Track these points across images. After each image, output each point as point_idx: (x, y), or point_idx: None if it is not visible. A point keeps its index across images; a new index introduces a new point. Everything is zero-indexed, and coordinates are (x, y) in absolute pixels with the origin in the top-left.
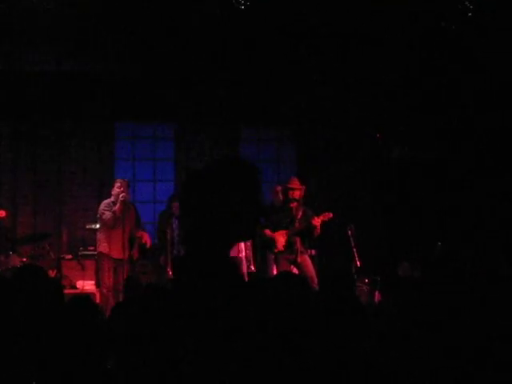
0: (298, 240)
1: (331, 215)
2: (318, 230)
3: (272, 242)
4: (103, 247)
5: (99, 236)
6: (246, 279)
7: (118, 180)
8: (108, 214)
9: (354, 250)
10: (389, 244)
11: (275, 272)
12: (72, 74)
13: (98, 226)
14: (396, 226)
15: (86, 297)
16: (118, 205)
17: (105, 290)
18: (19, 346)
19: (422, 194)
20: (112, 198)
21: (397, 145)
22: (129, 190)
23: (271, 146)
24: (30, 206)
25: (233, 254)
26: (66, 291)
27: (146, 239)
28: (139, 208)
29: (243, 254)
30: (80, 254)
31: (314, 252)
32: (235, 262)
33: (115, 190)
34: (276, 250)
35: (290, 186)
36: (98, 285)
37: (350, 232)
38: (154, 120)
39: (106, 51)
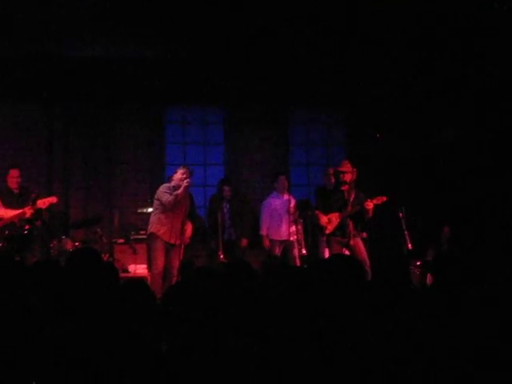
0: (350, 223)
1: (385, 199)
2: (371, 213)
3: (324, 225)
4: (155, 228)
5: (152, 218)
6: (298, 263)
7: (182, 166)
8: (169, 197)
9: (406, 232)
10: (440, 226)
11: (327, 255)
12: (123, 59)
13: (150, 209)
14: (447, 207)
15: (140, 280)
16: (181, 189)
17: (156, 271)
18: (77, 328)
19: (473, 176)
20: (172, 183)
21: (447, 126)
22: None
23: (321, 129)
24: (82, 190)
25: (284, 237)
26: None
27: (188, 229)
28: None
29: (294, 237)
30: (132, 238)
31: (365, 235)
32: None
33: (177, 176)
34: (328, 233)
35: (341, 169)
36: (149, 268)
37: (400, 214)
38: (204, 104)
39: (155, 36)
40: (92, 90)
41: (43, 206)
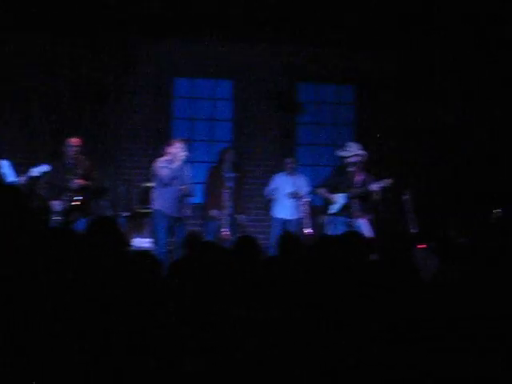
0: (355, 203)
1: (390, 181)
2: (377, 195)
3: (329, 204)
4: (158, 204)
5: (154, 194)
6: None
7: (179, 140)
8: (166, 170)
9: (410, 215)
10: (444, 210)
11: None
12: None
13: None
14: (453, 191)
15: (147, 252)
16: (176, 163)
17: (160, 247)
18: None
19: (479, 159)
20: (169, 157)
21: (451, 110)
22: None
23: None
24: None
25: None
26: None
27: None
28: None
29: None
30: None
31: (371, 216)
32: None
33: (173, 150)
34: (332, 212)
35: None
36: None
37: (406, 198)
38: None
39: None
40: None
41: None
